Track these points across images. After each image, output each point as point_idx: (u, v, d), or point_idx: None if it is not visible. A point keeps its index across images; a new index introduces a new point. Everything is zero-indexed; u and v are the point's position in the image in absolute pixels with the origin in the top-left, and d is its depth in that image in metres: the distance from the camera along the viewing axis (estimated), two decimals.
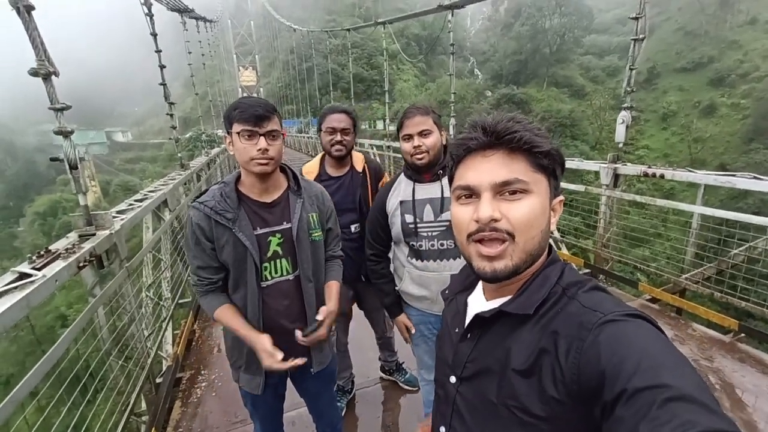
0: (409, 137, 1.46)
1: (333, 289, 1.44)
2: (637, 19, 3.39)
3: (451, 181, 0.68)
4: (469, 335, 0.69)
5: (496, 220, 0.59)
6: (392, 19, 8.42)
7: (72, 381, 1.74)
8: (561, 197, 0.66)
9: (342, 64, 34.06)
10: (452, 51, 5.95)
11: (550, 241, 0.68)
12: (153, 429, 2.09)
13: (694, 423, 0.40)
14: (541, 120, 31.16)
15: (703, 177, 3.04)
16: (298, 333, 1.29)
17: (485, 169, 0.61)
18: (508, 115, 0.63)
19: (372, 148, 9.99)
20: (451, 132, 6.58)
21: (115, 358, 2.06)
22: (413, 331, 1.64)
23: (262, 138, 1.18)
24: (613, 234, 3.79)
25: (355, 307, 2.19)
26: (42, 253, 1.75)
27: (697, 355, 2.61)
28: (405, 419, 2.19)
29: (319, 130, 1.91)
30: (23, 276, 1.48)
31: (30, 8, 1.83)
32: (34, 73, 1.85)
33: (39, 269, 1.56)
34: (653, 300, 3.37)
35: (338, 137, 1.84)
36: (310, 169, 1.97)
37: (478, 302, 0.72)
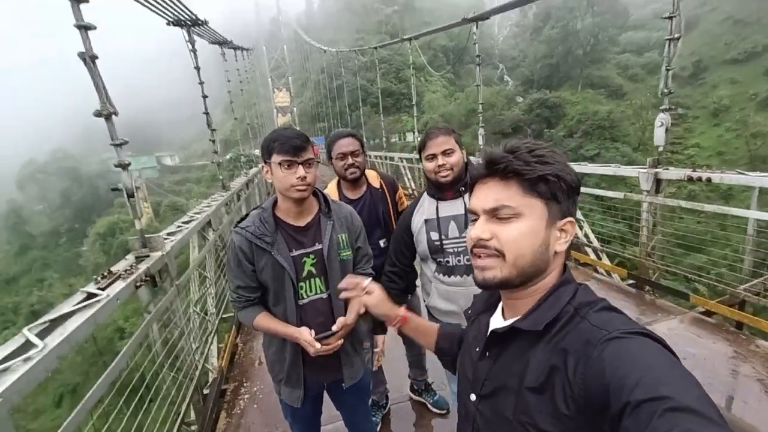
0: (433, 156, 1.51)
1: (354, 303, 1.49)
2: (671, 18, 3.26)
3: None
4: (487, 354, 0.72)
5: (484, 239, 0.66)
6: (417, 35, 8.58)
7: (131, 390, 1.90)
8: (570, 218, 0.68)
9: (370, 80, 34.81)
10: (478, 63, 5.97)
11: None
12: None
13: None
14: (577, 123, 30.01)
15: (757, 179, 2.82)
16: (307, 333, 1.34)
17: (480, 196, 0.69)
18: (516, 142, 0.68)
19: (402, 161, 10.10)
20: (481, 141, 6.52)
21: (167, 369, 2.23)
22: (382, 357, 1.69)
23: (300, 167, 1.29)
24: (658, 242, 3.58)
25: None
26: (105, 274, 1.95)
27: (761, 374, 2.39)
28: None
29: (330, 158, 1.97)
30: (91, 295, 1.67)
31: (94, 58, 2.09)
32: (98, 114, 2.11)
33: (103, 289, 1.74)
34: (708, 313, 3.13)
35: (350, 160, 1.90)
36: (330, 192, 2.02)
37: (498, 322, 0.75)
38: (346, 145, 1.91)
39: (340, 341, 1.37)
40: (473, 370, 0.75)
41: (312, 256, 1.40)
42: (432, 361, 2.07)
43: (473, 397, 0.73)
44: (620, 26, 42.79)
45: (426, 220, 1.58)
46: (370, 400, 2.07)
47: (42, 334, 1.33)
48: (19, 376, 1.09)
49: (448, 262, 1.53)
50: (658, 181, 3.47)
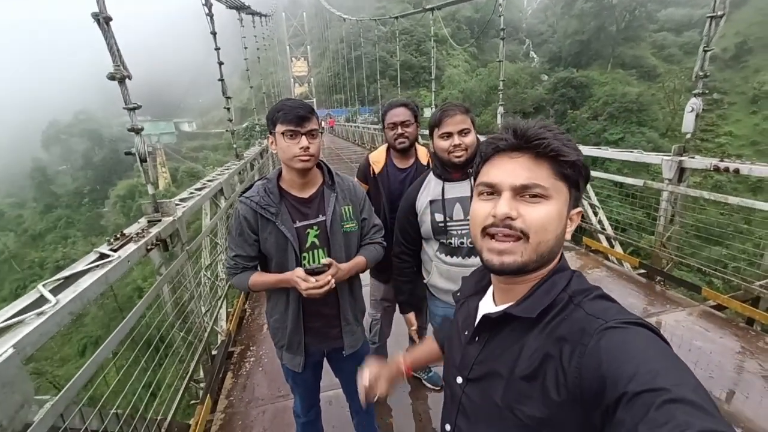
0: (449, 135, 1.46)
1: (356, 260, 1.48)
2: None
3: (475, 176, 0.70)
4: (477, 338, 0.71)
5: (511, 218, 0.61)
6: (440, 5, 8.19)
7: (145, 346, 2.00)
8: (579, 209, 0.67)
9: (391, 51, 33.79)
10: (502, 36, 5.69)
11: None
12: (208, 395, 2.34)
13: (690, 424, 0.41)
14: (603, 105, 28.70)
15: None
16: (301, 271, 1.31)
17: (509, 170, 0.63)
18: (542, 122, 0.65)
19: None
20: (499, 120, 6.33)
21: (177, 329, 2.33)
22: (414, 327, 1.73)
23: (303, 137, 1.29)
24: (675, 233, 3.48)
25: None
26: (118, 236, 2.01)
27: (767, 371, 2.36)
28: (436, 411, 2.24)
29: (383, 127, 1.99)
30: (103, 256, 1.72)
31: (108, 19, 2.06)
32: (111, 77, 2.10)
33: (115, 251, 1.80)
34: (719, 307, 3.07)
35: (399, 130, 1.91)
36: (376, 159, 2.06)
37: (488, 306, 0.74)
38: (398, 114, 1.91)
39: (331, 280, 1.32)
40: (462, 354, 0.74)
41: (315, 228, 1.41)
42: None
43: (460, 379, 0.73)
44: (660, 1, 39.97)
45: (431, 201, 1.55)
46: None
47: (55, 291, 1.39)
48: (32, 329, 1.14)
49: (451, 243, 1.51)
50: (681, 170, 3.32)
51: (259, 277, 1.43)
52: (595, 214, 4.45)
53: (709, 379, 2.31)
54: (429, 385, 2.37)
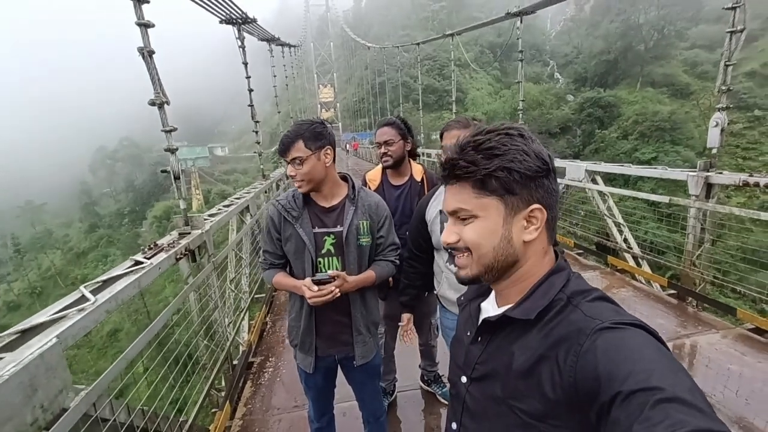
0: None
1: (366, 273, 1.55)
2: (734, 9, 3.00)
3: None
4: (479, 339, 0.73)
5: (450, 243, 0.69)
6: (461, 30, 8.44)
7: (170, 352, 2.12)
8: (536, 205, 0.65)
9: (414, 76, 34.63)
10: (521, 58, 5.81)
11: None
12: (228, 402, 2.42)
13: (685, 423, 0.41)
14: (633, 124, 27.93)
15: None
16: (308, 280, 1.41)
17: (445, 199, 0.70)
18: (468, 139, 0.66)
19: (439, 158, 10.03)
20: None
21: (201, 337, 2.45)
22: (404, 326, 1.80)
23: (289, 165, 1.45)
24: (707, 252, 3.33)
25: None
26: (151, 246, 2.18)
27: None
28: None
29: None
30: (138, 263, 1.88)
31: (151, 53, 2.32)
32: (151, 103, 2.35)
33: (149, 258, 1.96)
34: (758, 331, 2.87)
35: (383, 149, 2.02)
36: (372, 177, 2.17)
37: (490, 308, 0.77)
38: (381, 135, 2.04)
39: (335, 290, 1.40)
40: (465, 354, 0.76)
41: (332, 236, 1.51)
42: (443, 354, 2.10)
43: (464, 379, 0.75)
44: (690, 19, 39.06)
45: (441, 211, 1.61)
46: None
47: (95, 292, 1.54)
48: (73, 323, 1.28)
49: None
50: (709, 186, 3.21)
51: (281, 278, 1.56)
52: (620, 232, 4.32)
53: (745, 405, 2.17)
54: (443, 400, 2.34)
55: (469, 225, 0.67)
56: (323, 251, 1.51)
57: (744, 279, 3.22)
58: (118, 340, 23.56)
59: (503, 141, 0.64)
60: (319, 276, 1.42)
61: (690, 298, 3.34)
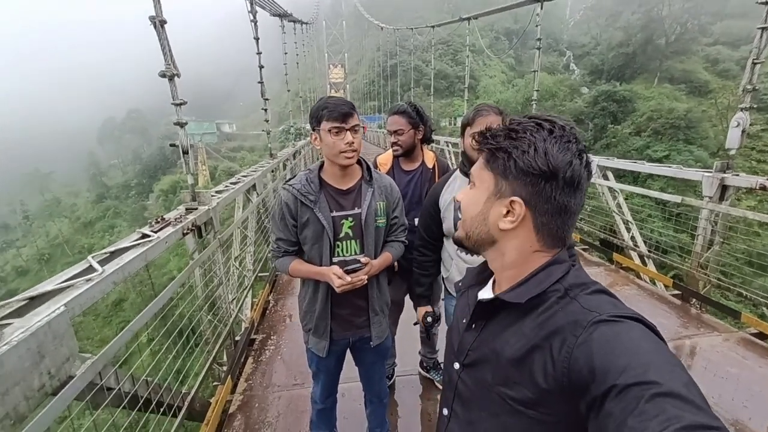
0: None
1: (384, 255, 1.56)
2: (767, 3, 2.87)
3: None
4: (474, 325, 0.74)
5: (456, 200, 0.76)
6: (477, 15, 8.21)
7: (175, 325, 2.15)
8: (516, 199, 0.63)
9: (426, 60, 34.00)
10: (538, 46, 5.63)
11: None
12: (229, 377, 2.46)
13: (680, 418, 0.41)
14: (648, 120, 27.32)
15: None
16: (337, 268, 1.41)
17: None
18: (513, 119, 0.68)
19: (447, 145, 9.91)
20: None
21: (205, 312, 2.48)
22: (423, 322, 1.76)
23: (348, 133, 1.37)
24: (715, 254, 3.29)
25: (406, 299, 2.29)
26: (159, 220, 2.18)
27: None
28: None
29: None
30: (145, 236, 1.89)
31: (163, 22, 2.27)
32: (162, 75, 2.31)
33: (156, 232, 1.96)
34: (761, 335, 2.86)
35: (393, 138, 2.01)
36: (383, 161, 2.14)
37: (487, 295, 0.76)
38: (391, 123, 2.02)
39: (365, 278, 1.43)
40: (459, 340, 0.76)
41: (350, 219, 1.49)
42: (443, 341, 2.10)
43: (456, 365, 0.75)
44: (715, 14, 37.71)
45: (455, 198, 1.58)
46: None
47: (102, 262, 1.55)
48: (81, 292, 1.28)
49: None
50: (724, 188, 3.15)
51: (299, 265, 1.52)
52: (628, 230, 4.27)
53: (742, 408, 2.17)
54: (441, 387, 2.37)
55: (470, 190, 0.72)
56: (341, 235, 1.48)
57: (747, 282, 3.19)
58: (123, 309, 24.04)
59: (527, 128, 0.63)
60: (351, 266, 1.42)
61: (694, 300, 3.32)
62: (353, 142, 1.37)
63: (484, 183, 0.68)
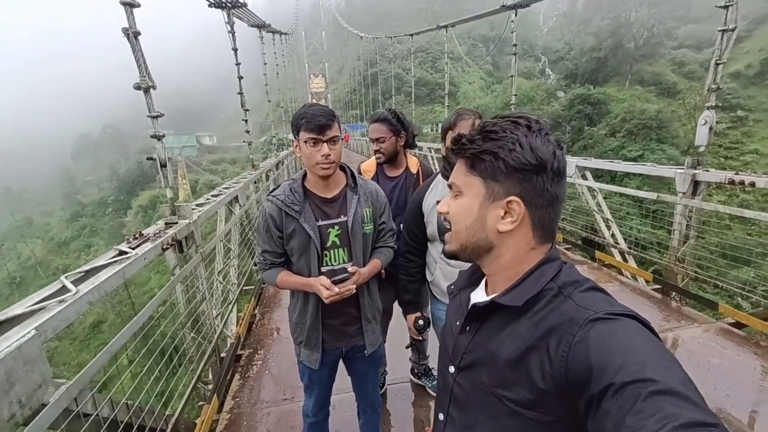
0: None
1: (373, 263, 1.54)
2: (726, 7, 3.02)
3: None
4: (468, 328, 0.73)
5: (441, 212, 0.72)
6: (454, 22, 8.39)
7: (156, 344, 2.07)
8: (514, 198, 0.63)
9: (407, 68, 34.41)
10: (515, 52, 5.78)
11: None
12: (215, 395, 2.38)
13: (677, 415, 0.41)
14: (621, 122, 28.32)
15: None
16: (325, 279, 1.39)
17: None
18: (487, 122, 0.67)
19: (430, 151, 10.01)
20: None
21: (188, 329, 2.40)
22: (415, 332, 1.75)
23: (324, 145, 1.36)
24: (691, 248, 3.40)
25: (395, 306, 2.28)
26: (137, 236, 2.11)
27: None
28: None
29: None
30: (122, 253, 1.82)
31: (137, 34, 2.23)
32: (137, 87, 2.26)
33: (134, 248, 1.90)
34: (738, 325, 2.96)
35: (375, 146, 2.02)
36: (367, 168, 2.14)
37: (480, 297, 0.76)
38: (372, 131, 2.03)
39: (353, 287, 1.42)
40: (453, 343, 0.75)
41: (337, 227, 1.46)
42: (434, 347, 2.10)
43: (452, 369, 0.74)
44: (680, 18, 39.62)
45: (438, 202, 1.59)
46: None
47: (77, 282, 1.48)
48: (53, 315, 1.22)
49: None
50: (696, 183, 3.27)
51: (286, 277, 1.49)
52: (608, 228, 4.38)
53: (725, 397, 2.23)
54: (433, 393, 2.36)
55: (455, 200, 0.70)
56: (328, 244, 1.46)
57: (722, 274, 3.31)
58: (102, 331, 23.15)
59: (505, 127, 0.63)
60: (338, 276, 1.39)
61: (674, 293, 3.42)
62: (329, 155, 1.35)
63: (473, 189, 0.66)
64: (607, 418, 0.46)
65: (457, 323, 0.76)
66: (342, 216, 1.46)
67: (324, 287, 1.37)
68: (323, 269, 1.45)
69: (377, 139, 2.00)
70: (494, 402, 0.64)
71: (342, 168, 1.51)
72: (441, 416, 0.78)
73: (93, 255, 32.76)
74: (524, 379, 0.59)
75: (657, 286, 3.60)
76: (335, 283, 1.38)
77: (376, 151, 2.03)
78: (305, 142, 1.35)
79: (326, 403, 1.75)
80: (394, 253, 1.65)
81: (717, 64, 3.14)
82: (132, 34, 2.19)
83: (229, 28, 5.24)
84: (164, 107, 2.39)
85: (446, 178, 1.60)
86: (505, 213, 0.64)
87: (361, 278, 1.45)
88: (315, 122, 1.33)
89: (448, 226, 0.71)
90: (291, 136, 1.51)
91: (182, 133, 56.23)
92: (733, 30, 3.03)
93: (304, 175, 1.49)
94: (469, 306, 0.74)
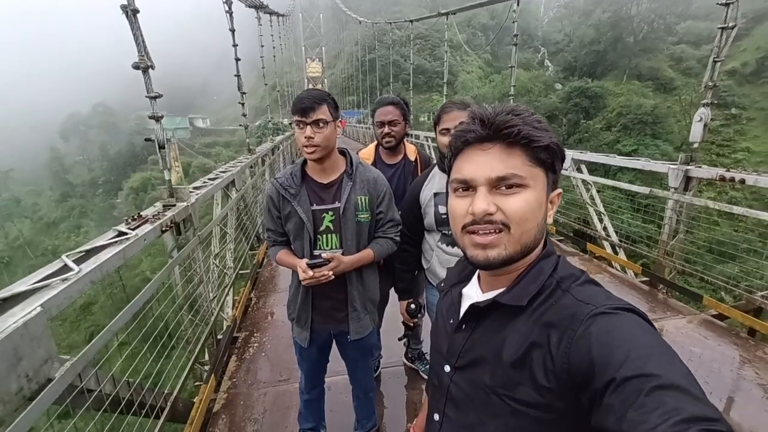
0: (447, 131, 1.54)
1: (362, 252, 1.53)
2: (727, 5, 3.04)
3: (449, 172, 0.68)
4: (464, 326, 0.70)
5: (490, 214, 0.60)
6: (456, 10, 8.28)
7: (155, 325, 2.09)
8: (559, 190, 0.65)
9: (405, 55, 33.98)
10: (515, 42, 5.74)
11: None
12: (213, 376, 2.43)
13: (680, 410, 0.41)
14: (618, 116, 28.41)
15: None
16: (304, 261, 1.39)
17: (482, 163, 0.61)
18: (509, 106, 0.62)
19: (427, 140, 9.99)
20: None
21: (186, 311, 2.43)
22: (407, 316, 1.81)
23: (308, 127, 1.36)
24: (680, 242, 3.48)
25: (391, 291, 2.32)
26: (135, 217, 2.11)
27: (764, 380, 2.36)
28: None
29: (374, 122, 2.06)
30: (121, 234, 1.83)
31: (135, 11, 2.18)
32: (135, 66, 2.22)
33: (133, 230, 1.90)
34: (720, 317, 3.06)
35: (386, 129, 1.98)
36: (366, 156, 2.13)
37: (474, 294, 0.74)
38: (385, 114, 1.98)
39: (330, 274, 1.40)
40: (448, 342, 0.73)
41: (331, 213, 1.49)
42: (427, 333, 2.15)
43: (447, 368, 0.72)
44: (680, 14, 39.42)
45: (435, 194, 1.62)
46: None
47: (78, 261, 1.49)
48: (58, 292, 1.24)
49: (452, 234, 1.58)
50: (688, 179, 3.33)
51: (283, 255, 1.56)
52: (601, 221, 4.46)
53: (704, 384, 2.31)
54: (425, 377, 2.42)
55: (515, 195, 0.60)
56: (322, 228, 1.49)
57: (708, 268, 3.41)
58: (92, 313, 23.05)
59: (539, 118, 0.62)
60: (314, 260, 1.40)
61: (661, 285, 3.52)
62: (312, 137, 1.35)
63: (539, 181, 0.61)
64: (609, 413, 0.46)
65: (451, 321, 0.74)
66: (336, 202, 1.48)
67: (301, 270, 1.39)
68: (315, 253, 1.48)
69: (390, 122, 1.96)
70: (496, 402, 0.62)
71: (343, 153, 1.53)
72: (436, 416, 0.75)
73: (83, 236, 32.42)
74: (528, 378, 0.58)
75: (645, 279, 3.69)
76: (311, 267, 1.38)
77: (387, 135, 1.98)
78: (295, 124, 1.39)
79: (319, 383, 1.81)
80: (397, 243, 1.65)
81: (715, 62, 3.17)
82: (131, 12, 2.14)
83: (227, 8, 5.11)
84: (156, 88, 2.35)
85: (443, 170, 1.63)
86: (551, 205, 0.64)
87: (342, 266, 1.45)
88: (299, 105, 1.35)
89: (491, 231, 0.61)
90: (287, 121, 1.52)
91: (175, 114, 55.15)
92: (733, 28, 3.05)
93: (305, 161, 1.51)
94: (462, 303, 0.74)
